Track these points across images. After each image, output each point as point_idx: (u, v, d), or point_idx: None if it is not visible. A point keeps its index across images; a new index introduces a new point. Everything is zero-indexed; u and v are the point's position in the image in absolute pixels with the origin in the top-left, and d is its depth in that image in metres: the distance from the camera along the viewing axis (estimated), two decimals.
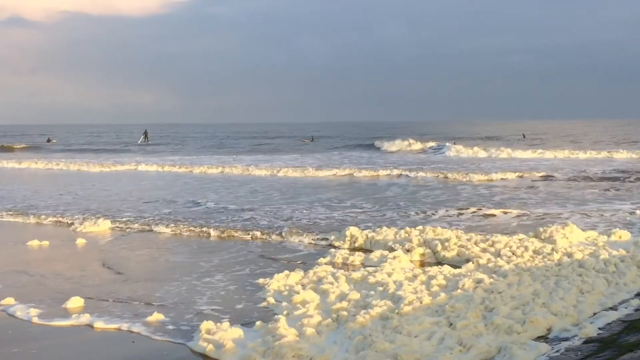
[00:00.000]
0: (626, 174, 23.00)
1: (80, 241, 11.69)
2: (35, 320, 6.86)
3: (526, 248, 9.30)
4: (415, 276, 8.11)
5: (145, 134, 66.58)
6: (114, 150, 52.87)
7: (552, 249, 9.17)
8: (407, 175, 24.34)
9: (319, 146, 53.30)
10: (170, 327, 6.59)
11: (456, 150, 38.78)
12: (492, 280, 7.56)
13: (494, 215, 13.90)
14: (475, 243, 9.85)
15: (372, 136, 66.74)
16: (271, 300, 7.44)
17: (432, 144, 44.26)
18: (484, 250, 9.44)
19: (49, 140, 69.11)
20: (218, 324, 6.13)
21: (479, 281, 7.54)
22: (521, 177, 22.81)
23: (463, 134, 69.33)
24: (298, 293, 7.45)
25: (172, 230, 12.76)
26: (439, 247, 9.83)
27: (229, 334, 5.83)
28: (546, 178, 22.35)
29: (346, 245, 10.86)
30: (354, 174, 25.44)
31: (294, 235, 11.75)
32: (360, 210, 15.21)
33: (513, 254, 9.09)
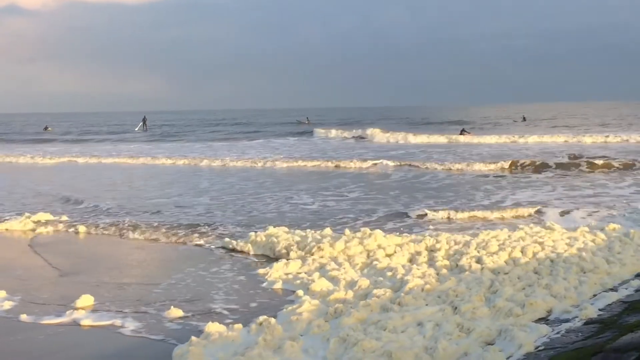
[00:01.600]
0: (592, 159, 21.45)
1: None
2: (24, 318, 6.76)
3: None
4: (415, 256, 8.14)
5: (144, 121, 64.98)
6: (102, 140, 48.80)
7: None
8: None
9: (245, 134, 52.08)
10: (168, 324, 6.43)
11: (386, 138, 39.13)
12: (492, 258, 7.55)
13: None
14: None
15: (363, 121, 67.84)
16: (300, 292, 7.01)
17: (359, 131, 43.83)
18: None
19: (46, 128, 69.20)
20: (230, 325, 5.79)
21: (479, 260, 7.55)
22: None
23: (460, 119, 66.93)
24: (314, 281, 7.27)
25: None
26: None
27: (220, 338, 5.46)
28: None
29: (254, 248, 9.62)
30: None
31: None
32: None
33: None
